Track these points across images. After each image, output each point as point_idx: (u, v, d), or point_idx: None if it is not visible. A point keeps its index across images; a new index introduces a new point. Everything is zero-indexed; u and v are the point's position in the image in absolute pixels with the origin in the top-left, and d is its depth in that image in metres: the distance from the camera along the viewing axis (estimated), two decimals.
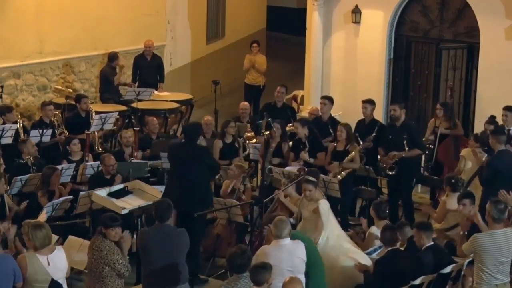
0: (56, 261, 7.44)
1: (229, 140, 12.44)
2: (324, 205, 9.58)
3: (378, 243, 9.30)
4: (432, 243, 8.67)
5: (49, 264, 7.40)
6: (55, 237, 8.72)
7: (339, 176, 11.03)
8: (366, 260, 9.18)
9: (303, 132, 11.72)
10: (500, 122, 11.98)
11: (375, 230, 9.46)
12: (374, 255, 9.20)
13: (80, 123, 12.80)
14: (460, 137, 12.56)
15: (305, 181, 9.78)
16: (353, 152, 11.31)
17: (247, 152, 12.57)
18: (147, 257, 8.09)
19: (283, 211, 10.21)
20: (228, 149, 12.42)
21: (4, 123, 12.25)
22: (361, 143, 11.70)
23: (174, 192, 9.55)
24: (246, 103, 14.26)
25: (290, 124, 12.99)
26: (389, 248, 8.59)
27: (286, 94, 16.92)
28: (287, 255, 8.12)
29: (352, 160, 11.31)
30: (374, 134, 12.16)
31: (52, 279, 7.39)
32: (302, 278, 8.22)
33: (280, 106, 13.68)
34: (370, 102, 12.55)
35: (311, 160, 11.47)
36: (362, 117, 12.72)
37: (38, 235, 7.42)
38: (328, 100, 12.89)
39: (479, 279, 8.14)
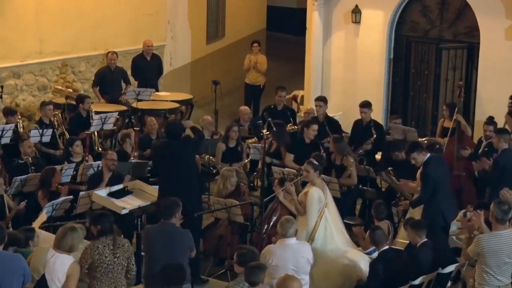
0: (57, 262, 7.35)
1: (232, 144, 12.39)
2: (314, 192, 9.43)
3: None
4: (425, 239, 8.73)
5: (51, 258, 7.34)
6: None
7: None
8: (365, 261, 9.20)
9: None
10: (500, 123, 11.95)
11: None
12: (374, 255, 9.21)
13: (82, 123, 12.83)
14: (465, 138, 12.48)
15: (306, 162, 9.74)
16: (349, 168, 11.10)
17: (249, 158, 12.51)
18: (149, 255, 8.11)
19: (282, 211, 10.20)
20: (230, 153, 12.39)
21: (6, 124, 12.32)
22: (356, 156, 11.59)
23: (170, 190, 9.51)
24: (246, 107, 14.27)
25: (290, 124, 12.98)
26: (382, 249, 8.61)
27: (286, 95, 16.95)
28: (292, 255, 8.14)
29: (349, 176, 11.16)
30: (374, 136, 12.16)
31: (43, 276, 7.30)
32: (306, 278, 8.25)
33: (280, 108, 13.63)
34: (369, 106, 12.55)
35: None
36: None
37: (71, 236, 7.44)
38: (322, 101, 12.84)
39: (481, 280, 8.12)
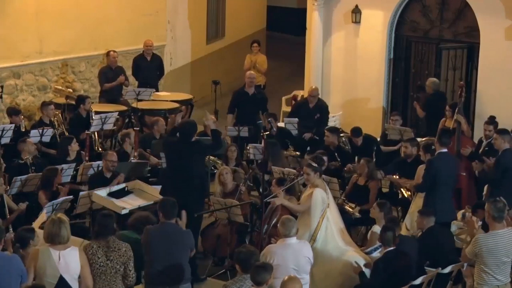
0: (68, 259, 7.41)
1: (232, 164, 12.23)
2: (318, 193, 9.43)
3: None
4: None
5: (59, 259, 7.39)
6: None
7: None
8: (365, 260, 9.21)
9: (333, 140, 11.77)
10: (500, 123, 11.95)
11: (378, 229, 9.49)
12: (374, 254, 9.22)
13: (82, 123, 12.83)
14: (465, 138, 12.47)
15: (306, 164, 9.76)
16: (373, 192, 11.16)
17: (247, 176, 12.38)
18: (150, 254, 8.11)
19: (283, 211, 10.18)
20: None
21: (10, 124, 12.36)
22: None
23: (170, 189, 9.55)
24: (251, 72, 14.33)
25: (291, 149, 12.84)
26: (388, 249, 8.62)
27: (285, 95, 16.98)
28: (293, 254, 8.15)
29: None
30: (374, 159, 12.27)
31: (61, 277, 7.37)
32: (307, 278, 8.26)
33: (275, 133, 13.34)
34: (360, 134, 12.64)
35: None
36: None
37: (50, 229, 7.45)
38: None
39: (480, 280, 8.14)
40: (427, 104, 13.54)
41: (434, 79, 13.84)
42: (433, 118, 13.32)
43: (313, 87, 14.33)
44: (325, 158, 11.51)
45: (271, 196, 10.31)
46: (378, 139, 13.31)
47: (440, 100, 13.60)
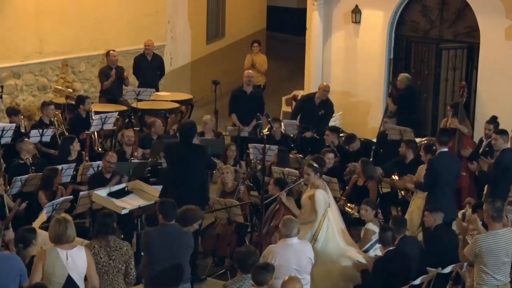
0: (75, 258, 7.41)
1: (231, 163, 12.18)
2: (320, 194, 9.48)
3: (374, 237, 9.36)
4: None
5: (67, 259, 7.38)
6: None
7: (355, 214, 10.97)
8: (365, 259, 9.21)
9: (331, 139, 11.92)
10: (500, 123, 11.96)
11: (372, 226, 9.56)
12: (372, 252, 9.23)
13: (82, 123, 12.83)
14: (465, 138, 12.47)
15: (307, 164, 9.77)
16: (373, 192, 11.13)
17: (246, 175, 12.34)
18: (150, 256, 8.11)
19: (286, 212, 10.18)
20: None
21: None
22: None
23: (171, 192, 9.55)
24: (249, 71, 14.42)
25: (295, 152, 12.85)
26: (388, 249, 8.62)
27: (285, 95, 16.94)
28: (294, 254, 8.16)
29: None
30: (371, 159, 12.21)
31: (69, 276, 7.36)
32: (308, 278, 8.27)
33: (278, 139, 13.29)
34: (353, 139, 12.56)
35: None
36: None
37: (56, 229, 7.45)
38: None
39: (480, 280, 8.13)
40: (398, 98, 13.80)
41: (406, 74, 14.11)
42: (404, 113, 13.59)
43: (325, 84, 14.36)
44: (331, 155, 11.57)
45: (271, 198, 10.31)
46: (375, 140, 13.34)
47: (411, 96, 13.96)
